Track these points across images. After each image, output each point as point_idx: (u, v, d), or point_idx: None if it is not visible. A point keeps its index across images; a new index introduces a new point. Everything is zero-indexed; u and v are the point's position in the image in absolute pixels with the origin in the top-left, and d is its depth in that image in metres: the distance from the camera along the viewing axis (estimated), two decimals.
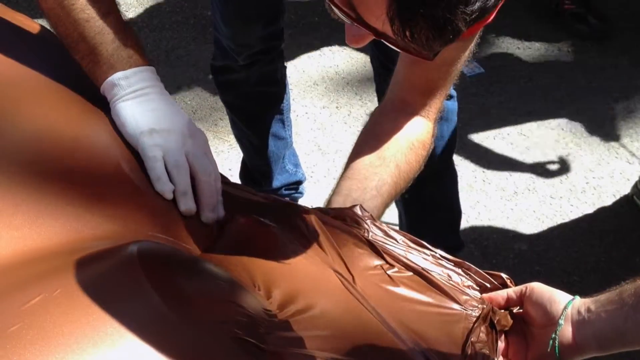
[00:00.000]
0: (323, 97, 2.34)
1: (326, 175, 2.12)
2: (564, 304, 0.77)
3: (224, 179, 0.91)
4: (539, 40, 2.51)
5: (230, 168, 2.07)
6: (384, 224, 0.87)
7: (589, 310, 0.75)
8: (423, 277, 0.82)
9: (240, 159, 1.94)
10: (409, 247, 0.85)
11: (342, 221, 0.87)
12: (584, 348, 0.76)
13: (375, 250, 0.83)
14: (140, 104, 0.82)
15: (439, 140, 1.53)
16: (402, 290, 0.82)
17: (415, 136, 0.99)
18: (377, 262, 0.83)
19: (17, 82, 0.83)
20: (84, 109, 0.84)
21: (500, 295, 0.84)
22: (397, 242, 0.85)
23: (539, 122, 2.24)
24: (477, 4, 0.61)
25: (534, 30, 2.54)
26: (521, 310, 0.84)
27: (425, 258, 0.84)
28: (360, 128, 2.43)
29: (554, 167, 2.10)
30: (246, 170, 1.89)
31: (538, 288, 0.81)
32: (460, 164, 2.06)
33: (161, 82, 0.87)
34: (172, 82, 2.41)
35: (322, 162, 2.15)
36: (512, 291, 0.84)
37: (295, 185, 1.90)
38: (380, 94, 1.61)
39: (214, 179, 0.83)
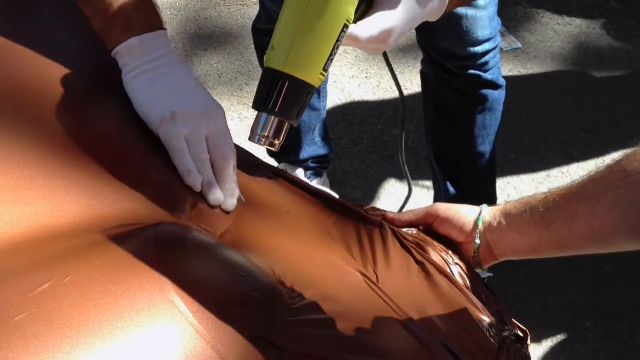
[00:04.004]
0: (352, 66, 2.28)
1: (351, 147, 2.06)
2: (474, 219, 0.82)
3: (252, 158, 0.87)
4: (581, 17, 2.41)
5: None
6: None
7: (500, 224, 0.79)
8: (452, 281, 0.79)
9: None
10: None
11: (379, 217, 0.84)
12: (501, 257, 0.82)
13: (407, 248, 0.80)
14: (157, 79, 0.76)
15: (480, 130, 1.48)
16: (430, 285, 0.78)
17: None
18: (409, 260, 0.79)
19: (40, 46, 0.78)
20: (106, 78, 0.79)
21: (404, 218, 0.88)
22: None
23: (576, 102, 2.15)
24: None
25: (576, 5, 2.44)
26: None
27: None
28: (389, 99, 2.38)
29: (589, 149, 2.03)
30: None
31: (443, 209, 0.85)
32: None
33: (172, 44, 0.81)
34: (199, 43, 2.36)
35: (348, 133, 2.10)
36: (413, 215, 0.88)
37: (322, 159, 1.85)
38: (424, 78, 1.55)
39: (233, 163, 0.79)
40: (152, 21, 0.78)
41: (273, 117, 0.66)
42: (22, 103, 0.72)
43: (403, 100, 0.88)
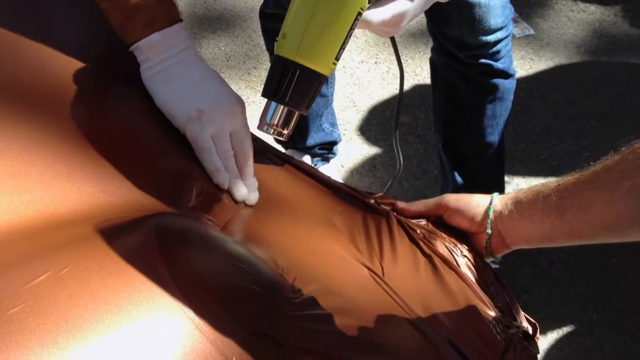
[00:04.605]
0: (362, 51, 2.25)
1: (360, 133, 2.04)
2: (484, 208, 0.80)
3: (260, 143, 0.85)
4: (595, 3, 2.37)
5: None
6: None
7: (511, 212, 0.78)
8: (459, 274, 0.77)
9: None
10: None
11: (389, 206, 0.82)
12: (513, 246, 0.81)
13: (414, 240, 0.78)
14: (180, 76, 0.75)
15: (489, 120, 1.45)
16: (437, 280, 0.76)
17: None
18: (417, 252, 0.78)
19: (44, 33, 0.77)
20: (111, 67, 0.77)
21: (414, 209, 0.86)
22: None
23: (588, 91, 2.12)
24: None
25: None
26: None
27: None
28: (398, 85, 2.34)
29: (600, 139, 2.00)
30: None
31: (453, 201, 0.83)
32: None
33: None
34: (207, 26, 2.33)
35: (356, 119, 2.08)
36: (423, 207, 0.86)
37: (330, 146, 1.83)
38: (434, 66, 1.52)
39: (252, 158, 0.80)
40: (172, 15, 0.76)
41: (283, 106, 0.65)
42: (26, 92, 0.71)
43: (402, 83, 0.87)
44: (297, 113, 0.66)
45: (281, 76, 0.63)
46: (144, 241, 0.60)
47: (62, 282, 0.54)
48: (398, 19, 0.67)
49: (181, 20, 0.77)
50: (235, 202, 0.78)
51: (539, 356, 1.62)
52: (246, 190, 0.78)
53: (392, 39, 0.80)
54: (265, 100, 0.66)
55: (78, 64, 0.76)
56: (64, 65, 0.75)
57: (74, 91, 0.73)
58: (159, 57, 0.75)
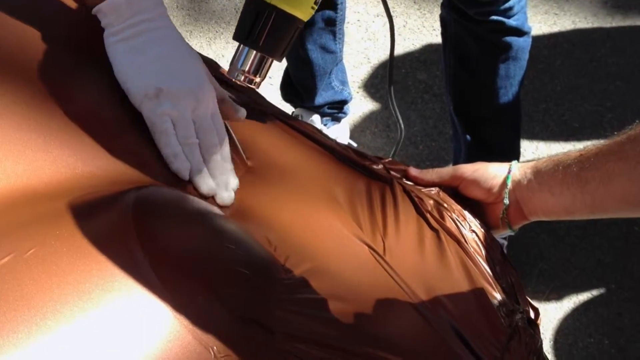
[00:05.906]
0: (378, 4, 2.16)
1: (374, 91, 1.97)
2: (502, 178, 0.76)
3: (261, 105, 0.79)
4: None
5: (271, 76, 1.94)
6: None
7: (530, 182, 0.74)
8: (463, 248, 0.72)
9: (283, 67, 1.80)
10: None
11: (400, 172, 0.78)
12: (531, 217, 0.77)
13: (421, 213, 0.73)
14: (144, 47, 0.66)
15: (503, 80, 1.37)
16: (441, 259, 0.71)
17: None
18: (423, 226, 0.73)
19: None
20: (91, 33, 0.71)
21: (428, 178, 0.82)
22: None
23: (614, 48, 2.02)
24: None
25: None
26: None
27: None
28: (415, 41, 2.26)
29: (625, 99, 1.91)
30: (288, 81, 1.75)
31: (469, 172, 0.79)
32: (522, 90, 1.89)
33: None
34: None
35: (370, 76, 2.00)
36: (437, 177, 0.81)
37: (340, 105, 1.76)
38: (444, 23, 1.43)
39: (223, 149, 0.70)
40: None
41: (255, 52, 0.60)
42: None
43: (393, 44, 0.81)
44: (270, 60, 0.61)
45: (255, 19, 0.58)
46: (120, 219, 0.55)
47: (27, 265, 0.50)
48: None
49: None
50: (204, 197, 0.68)
51: (555, 325, 1.57)
52: (212, 183, 0.68)
53: None
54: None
55: (54, 32, 0.69)
56: (38, 33, 0.68)
57: (49, 59, 0.67)
58: (122, 23, 0.66)
